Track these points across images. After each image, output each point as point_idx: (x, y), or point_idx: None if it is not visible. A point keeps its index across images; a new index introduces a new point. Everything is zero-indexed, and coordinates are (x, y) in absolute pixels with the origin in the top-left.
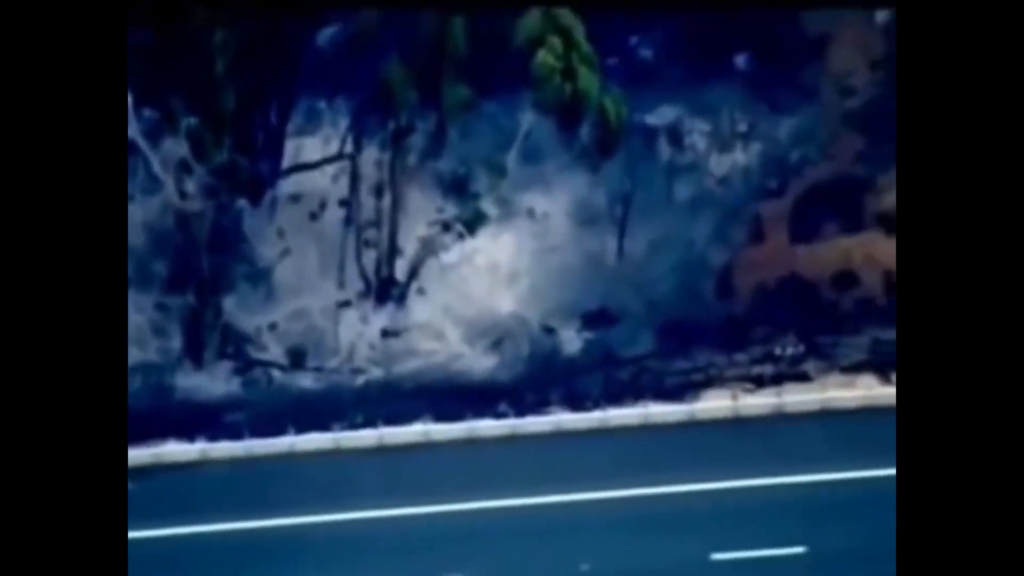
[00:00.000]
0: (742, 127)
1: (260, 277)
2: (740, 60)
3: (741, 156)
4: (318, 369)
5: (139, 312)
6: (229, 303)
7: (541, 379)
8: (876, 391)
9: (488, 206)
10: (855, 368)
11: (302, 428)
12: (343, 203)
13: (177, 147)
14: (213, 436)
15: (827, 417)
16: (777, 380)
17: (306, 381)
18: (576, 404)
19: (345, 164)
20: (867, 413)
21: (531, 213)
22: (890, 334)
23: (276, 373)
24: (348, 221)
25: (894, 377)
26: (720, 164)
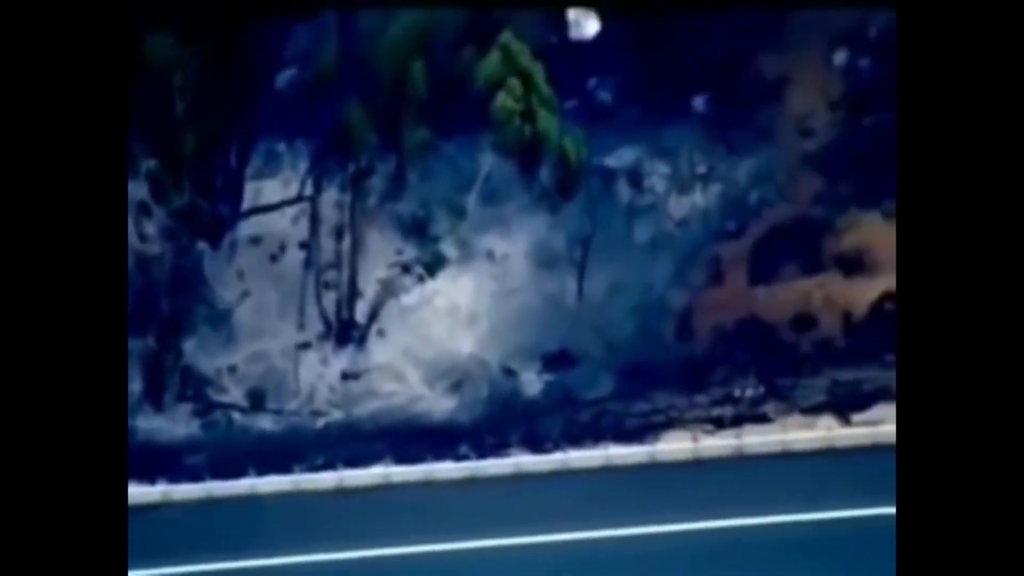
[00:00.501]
0: (701, 169)
1: (220, 319)
2: (698, 102)
3: (700, 198)
4: (278, 411)
5: None
6: (189, 345)
7: (501, 421)
8: (836, 432)
9: (448, 248)
10: (815, 409)
11: (262, 470)
12: (303, 245)
13: (137, 189)
14: (174, 478)
15: (788, 458)
16: (737, 422)
17: (266, 423)
18: (536, 446)
19: (305, 206)
20: (827, 454)
21: (491, 255)
22: (849, 375)
23: (236, 415)
24: (308, 263)
25: (854, 418)
26: (679, 206)
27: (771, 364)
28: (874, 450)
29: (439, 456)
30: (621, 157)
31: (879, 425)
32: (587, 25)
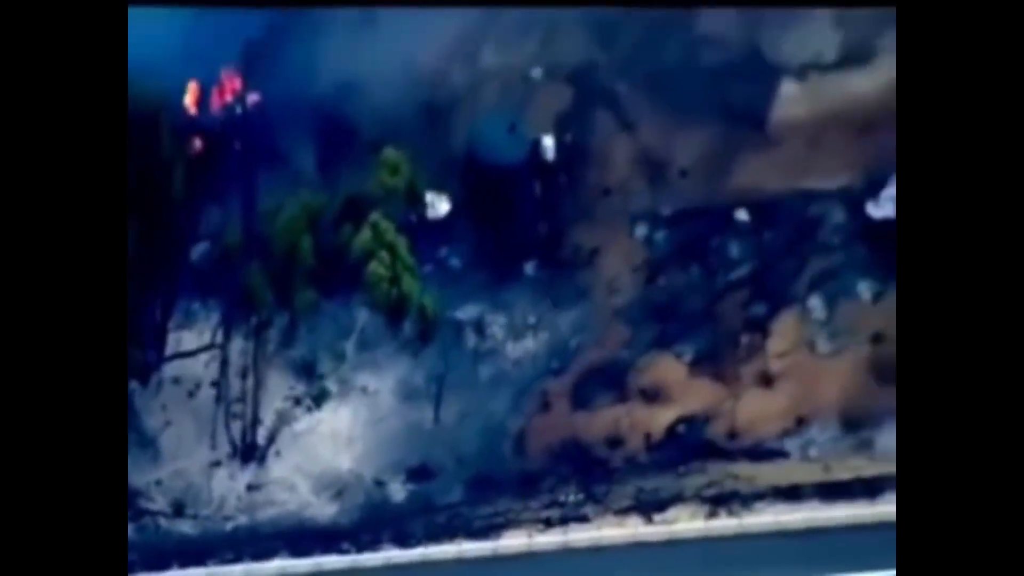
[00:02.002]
0: (531, 320)
1: (148, 443)
2: (529, 267)
3: (531, 343)
4: (195, 516)
5: None
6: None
7: (374, 522)
8: (642, 529)
9: (331, 385)
10: (625, 511)
11: (183, 565)
12: (214, 384)
13: None
14: None
15: (604, 551)
16: (563, 521)
17: (186, 527)
18: (403, 542)
19: (216, 352)
20: (636, 547)
21: (365, 390)
22: (651, 484)
23: (162, 520)
24: (218, 398)
25: (655, 518)
26: (515, 350)
27: (589, 475)
28: (671, 544)
29: (325, 551)
30: (468, 311)
31: (675, 524)
32: (440, 206)
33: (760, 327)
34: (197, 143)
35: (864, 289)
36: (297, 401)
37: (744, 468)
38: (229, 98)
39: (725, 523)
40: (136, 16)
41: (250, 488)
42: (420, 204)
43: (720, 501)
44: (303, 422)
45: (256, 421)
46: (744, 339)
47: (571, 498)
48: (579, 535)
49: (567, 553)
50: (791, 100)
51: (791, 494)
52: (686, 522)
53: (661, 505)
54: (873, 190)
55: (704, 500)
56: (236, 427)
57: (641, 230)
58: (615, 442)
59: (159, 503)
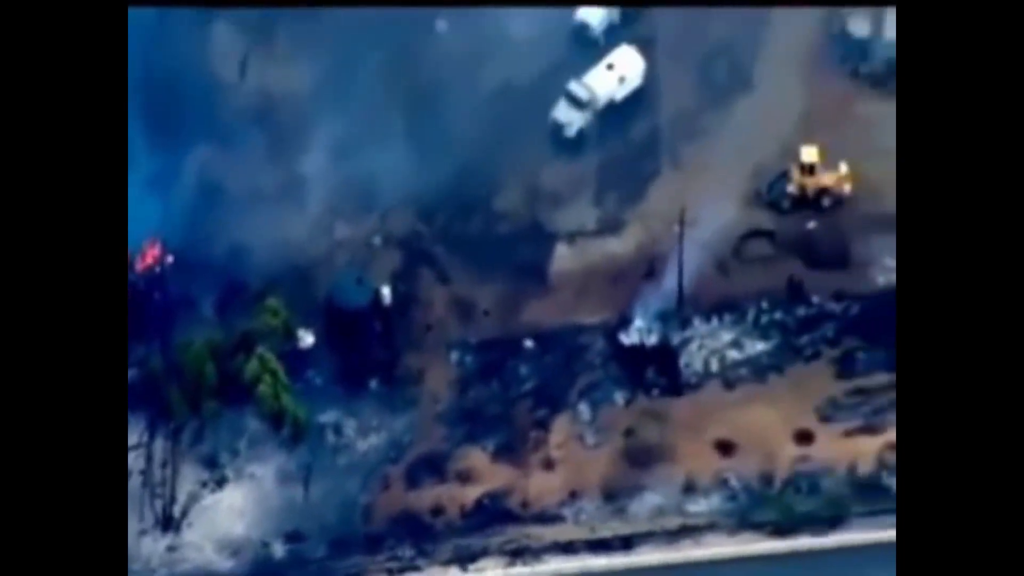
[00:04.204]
0: (375, 423)
1: None
2: (373, 383)
3: (375, 439)
4: (128, 572)
5: None
6: None
7: (261, 574)
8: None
9: (229, 472)
10: (446, 562)
11: None
12: (142, 472)
13: None
14: None
15: None
16: (401, 571)
17: None
18: None
19: (143, 449)
20: None
21: (253, 476)
22: (465, 541)
23: None
24: (144, 483)
25: (470, 567)
26: (363, 444)
27: (419, 536)
28: None
29: None
30: (328, 417)
31: (483, 571)
32: (307, 339)
33: (543, 426)
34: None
35: (618, 397)
36: (204, 484)
37: (533, 529)
38: (151, 261)
39: (520, 570)
40: None
41: (169, 549)
42: (293, 338)
43: (516, 554)
44: (208, 500)
45: (173, 499)
46: (531, 435)
47: (406, 553)
48: None
49: None
50: (563, 258)
51: (568, 548)
52: (491, 570)
53: (473, 557)
54: (624, 324)
55: (504, 553)
56: (158, 504)
57: (455, 355)
58: (437, 511)
59: None
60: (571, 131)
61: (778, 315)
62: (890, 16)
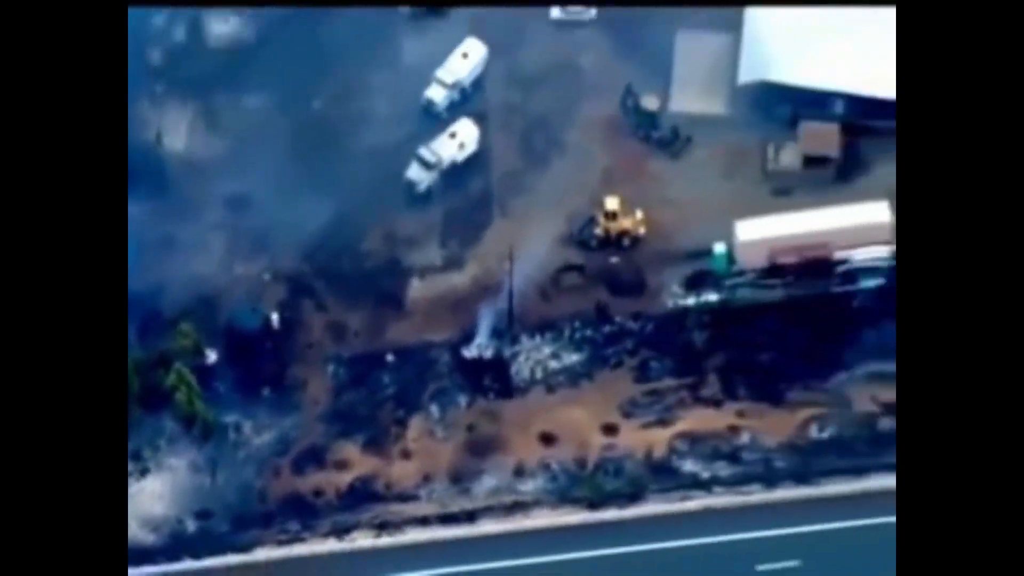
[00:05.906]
0: (267, 422)
1: None
2: (265, 391)
3: (268, 436)
4: None
5: None
6: None
7: (175, 546)
8: (335, 545)
9: (151, 465)
10: (326, 534)
11: None
12: None
13: None
14: None
15: (312, 559)
16: (290, 542)
17: None
18: (195, 557)
19: None
20: (332, 557)
21: (171, 467)
22: (342, 517)
23: None
24: None
25: (345, 537)
26: (259, 440)
27: (304, 514)
28: (353, 553)
29: (142, 563)
30: (230, 418)
31: (356, 541)
32: (212, 357)
33: (402, 423)
34: None
35: (461, 399)
36: (130, 474)
37: (395, 507)
38: None
39: (385, 540)
40: None
41: None
42: (202, 356)
43: (382, 527)
44: (134, 487)
45: None
46: (393, 430)
47: (294, 527)
48: (299, 550)
49: (292, 561)
50: (416, 289)
51: (423, 521)
52: (362, 540)
53: (347, 530)
54: (466, 341)
55: (372, 527)
56: None
57: (331, 367)
58: (319, 493)
59: None
60: (421, 188)
61: (588, 332)
62: (675, 92)
